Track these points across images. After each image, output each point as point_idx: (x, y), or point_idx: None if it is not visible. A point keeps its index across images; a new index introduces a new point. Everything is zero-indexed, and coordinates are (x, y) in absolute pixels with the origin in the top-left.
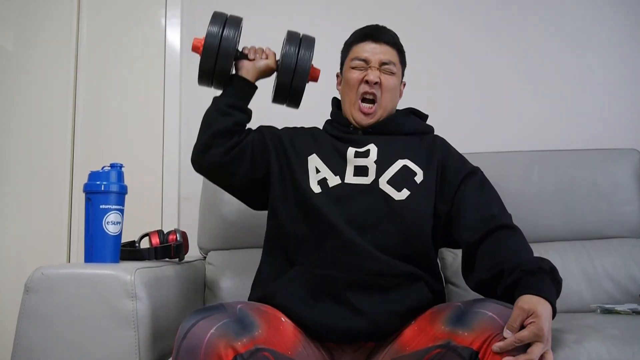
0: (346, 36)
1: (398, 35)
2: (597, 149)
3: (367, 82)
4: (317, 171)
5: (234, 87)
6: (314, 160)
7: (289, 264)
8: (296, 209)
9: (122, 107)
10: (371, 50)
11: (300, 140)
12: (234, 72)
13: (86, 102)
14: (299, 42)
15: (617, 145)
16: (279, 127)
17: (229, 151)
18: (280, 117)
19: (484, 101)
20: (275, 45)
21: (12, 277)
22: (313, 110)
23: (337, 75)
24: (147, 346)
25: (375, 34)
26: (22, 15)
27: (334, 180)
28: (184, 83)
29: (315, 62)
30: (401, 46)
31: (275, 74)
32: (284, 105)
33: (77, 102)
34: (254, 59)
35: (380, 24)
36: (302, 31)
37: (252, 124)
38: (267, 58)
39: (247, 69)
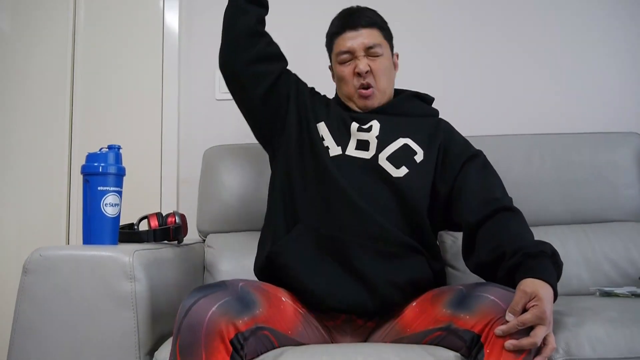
0: None
1: (377, 10)
2: (598, 133)
3: (358, 74)
4: (322, 139)
5: None
6: (321, 128)
7: (294, 222)
8: (310, 168)
9: (120, 89)
10: (352, 39)
11: (317, 105)
12: None
13: (84, 84)
14: None
15: (618, 128)
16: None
17: (251, 64)
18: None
19: (485, 84)
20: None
21: (11, 259)
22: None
23: (330, 68)
24: (146, 327)
25: (351, 21)
26: None
27: (335, 150)
28: (183, 65)
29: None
30: (381, 22)
31: None
32: None
33: (74, 84)
34: None
35: (383, 8)
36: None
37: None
38: None
39: None
